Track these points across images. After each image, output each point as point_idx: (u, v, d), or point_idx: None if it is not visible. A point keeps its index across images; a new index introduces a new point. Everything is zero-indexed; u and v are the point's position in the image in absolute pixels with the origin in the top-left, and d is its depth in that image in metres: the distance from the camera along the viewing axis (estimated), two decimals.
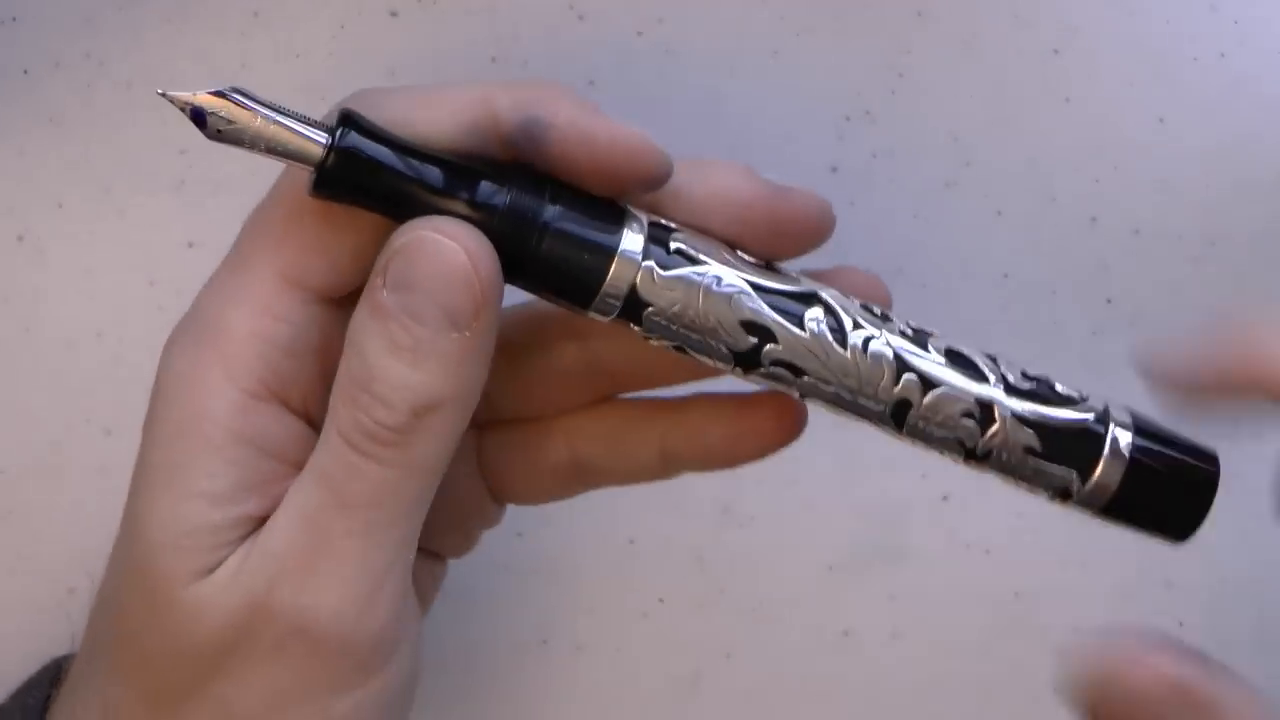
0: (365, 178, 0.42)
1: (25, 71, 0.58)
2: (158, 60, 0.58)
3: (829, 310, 0.44)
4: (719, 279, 0.43)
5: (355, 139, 0.42)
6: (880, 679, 0.61)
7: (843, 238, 0.47)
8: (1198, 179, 0.59)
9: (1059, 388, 0.46)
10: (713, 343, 0.44)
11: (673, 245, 0.43)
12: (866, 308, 0.45)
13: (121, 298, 0.58)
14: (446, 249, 0.41)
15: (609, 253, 0.43)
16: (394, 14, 0.58)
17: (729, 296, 0.43)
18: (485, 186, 0.42)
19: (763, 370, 0.44)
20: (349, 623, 0.43)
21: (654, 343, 0.44)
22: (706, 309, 0.43)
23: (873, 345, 0.44)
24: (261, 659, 0.43)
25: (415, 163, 0.42)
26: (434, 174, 0.42)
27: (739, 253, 0.45)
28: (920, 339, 0.45)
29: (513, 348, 0.48)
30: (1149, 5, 0.58)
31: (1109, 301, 0.60)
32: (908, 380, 0.44)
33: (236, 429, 0.43)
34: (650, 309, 0.43)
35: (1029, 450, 0.45)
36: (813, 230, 0.46)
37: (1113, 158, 0.59)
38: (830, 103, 0.59)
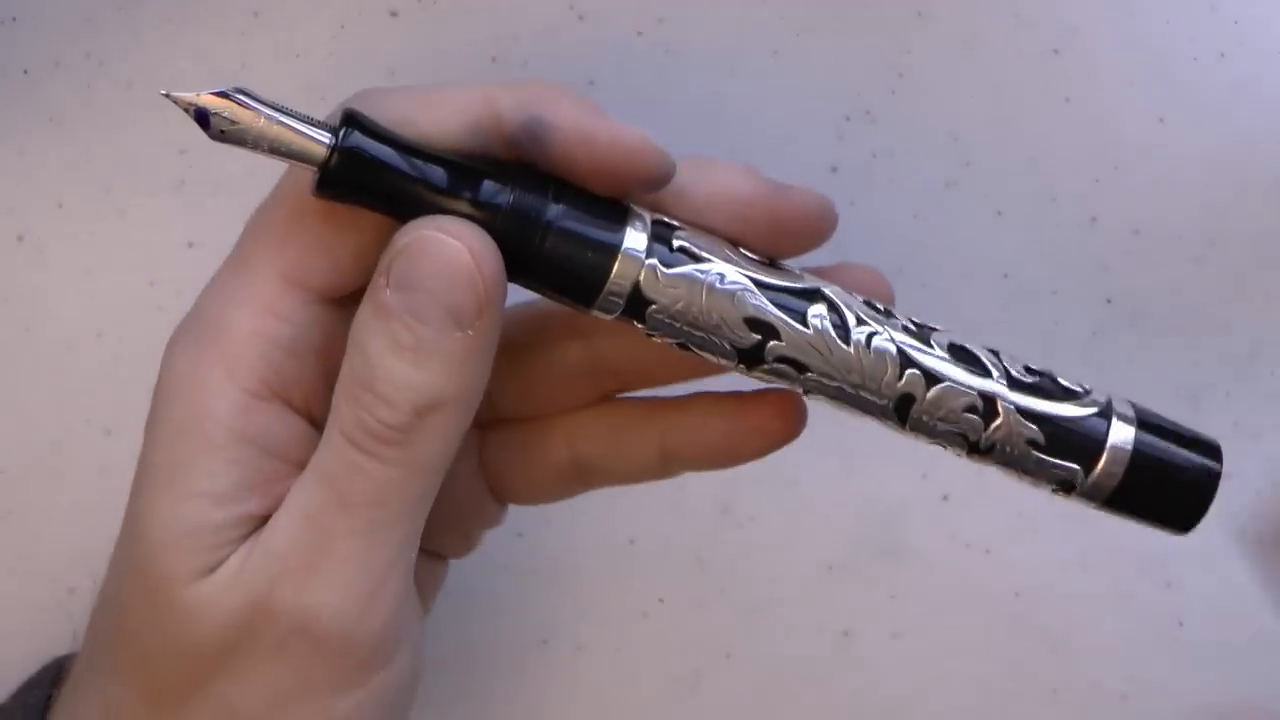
0: (368, 177, 0.42)
1: (25, 71, 0.58)
2: (158, 60, 0.58)
3: (832, 306, 0.44)
4: (722, 276, 0.43)
5: (358, 139, 0.42)
6: (880, 679, 0.61)
7: (843, 238, 0.47)
8: (1198, 179, 0.59)
9: (1062, 381, 0.46)
10: (716, 340, 0.44)
11: (676, 243, 0.43)
12: (869, 304, 0.45)
13: (121, 298, 0.58)
14: (450, 248, 0.41)
15: (612, 251, 0.43)
16: (394, 14, 0.58)
17: (732, 293, 0.43)
18: (488, 186, 0.42)
19: (766, 367, 0.44)
20: (350, 622, 0.43)
21: (657, 340, 0.44)
22: (710, 306, 0.43)
23: (876, 341, 0.44)
24: (263, 658, 0.43)
25: (418, 162, 0.42)
26: (437, 173, 0.42)
27: (742, 250, 0.45)
28: (923, 334, 0.45)
29: (516, 347, 0.48)
30: (1149, 5, 0.58)
31: (1109, 301, 0.60)
32: (911, 375, 0.44)
33: (238, 428, 0.43)
34: (654, 306, 0.43)
35: (1032, 444, 0.45)
36: (814, 228, 0.46)
37: (1113, 158, 0.59)
38: (830, 103, 0.59)
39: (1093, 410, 0.45)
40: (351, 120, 0.42)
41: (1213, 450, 0.46)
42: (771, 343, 0.44)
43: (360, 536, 0.43)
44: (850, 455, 0.58)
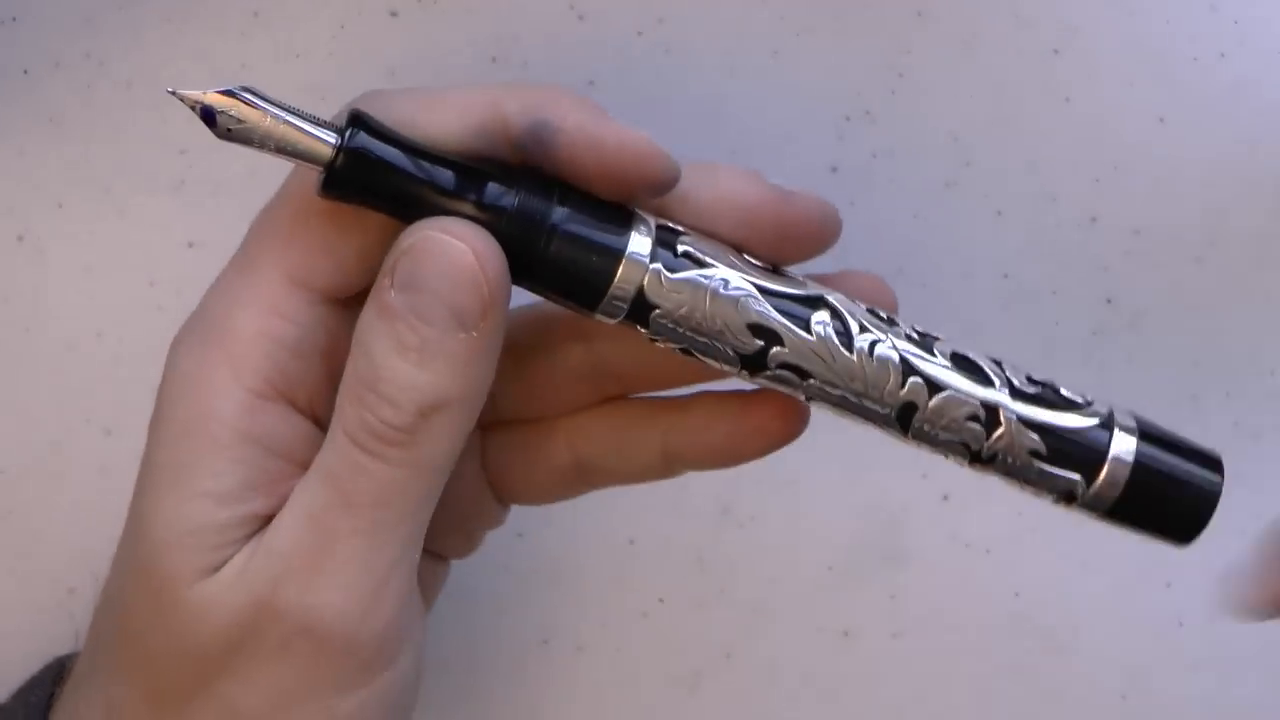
0: (374, 178, 0.42)
1: (25, 71, 0.57)
2: (158, 60, 0.58)
3: (835, 314, 0.44)
4: (726, 282, 0.43)
5: (365, 139, 0.42)
6: (880, 679, 0.61)
7: (843, 238, 0.47)
8: (1198, 179, 0.59)
9: (1064, 392, 0.46)
10: (719, 345, 0.44)
11: (680, 248, 0.43)
12: (872, 311, 0.45)
13: (121, 298, 0.58)
14: (454, 249, 0.41)
15: (616, 255, 0.43)
16: (394, 14, 0.58)
17: (736, 299, 0.43)
18: (493, 188, 0.42)
19: (768, 373, 0.44)
20: (354, 622, 0.43)
21: (660, 345, 0.44)
22: (713, 311, 0.43)
23: (878, 349, 0.44)
24: (266, 658, 0.43)
25: (424, 164, 0.42)
26: (443, 175, 0.42)
27: (745, 256, 0.45)
28: (926, 343, 0.45)
29: (519, 349, 0.48)
30: (1149, 5, 0.58)
31: (1109, 301, 0.60)
32: (913, 384, 0.44)
33: (243, 428, 0.43)
34: (657, 311, 0.43)
35: (1034, 454, 0.45)
36: (818, 235, 0.46)
37: (1113, 158, 0.59)
38: (830, 103, 0.59)
39: (1095, 421, 0.45)
40: (357, 121, 0.42)
41: (1214, 463, 0.46)
42: (774, 349, 0.44)
43: (364, 536, 0.43)
44: (851, 456, 0.58)
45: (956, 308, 0.59)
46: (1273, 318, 0.60)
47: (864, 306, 0.45)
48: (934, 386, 0.44)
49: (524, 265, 0.43)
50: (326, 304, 0.44)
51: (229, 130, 0.41)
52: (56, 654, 0.52)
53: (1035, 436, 0.45)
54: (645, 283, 0.43)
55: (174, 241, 0.58)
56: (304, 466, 0.43)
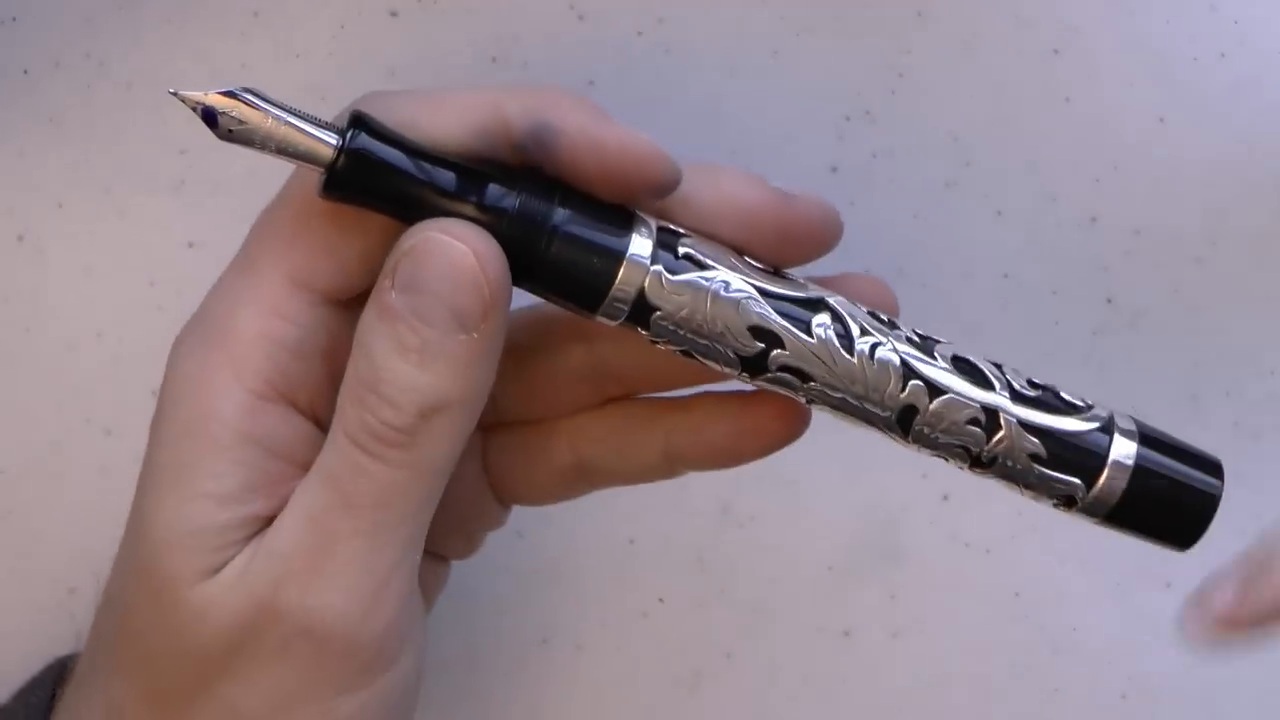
0: (375, 180, 0.42)
1: (25, 71, 0.57)
2: (158, 60, 0.57)
3: (836, 316, 0.44)
4: (727, 284, 0.43)
5: (366, 141, 0.42)
6: (880, 679, 0.61)
7: (843, 238, 0.47)
8: (1198, 179, 0.59)
9: (1064, 395, 0.46)
10: (720, 348, 0.44)
11: (681, 250, 0.43)
12: (873, 314, 0.45)
13: (121, 298, 0.58)
14: (455, 251, 0.41)
15: (617, 257, 0.43)
16: (394, 14, 0.58)
17: (737, 302, 0.43)
18: (494, 190, 0.42)
19: (769, 376, 0.44)
20: (354, 623, 0.43)
21: (661, 347, 0.44)
22: (714, 314, 0.43)
23: (879, 352, 0.44)
24: (267, 659, 0.43)
25: (425, 165, 0.42)
26: (444, 177, 0.42)
27: (746, 259, 0.45)
28: (927, 346, 0.45)
29: (520, 350, 0.48)
30: (1149, 5, 0.58)
31: (1109, 301, 0.60)
32: (914, 387, 0.44)
33: (244, 430, 0.43)
34: (658, 313, 0.43)
35: (1034, 457, 0.45)
36: (820, 237, 0.46)
37: (1113, 158, 0.59)
38: (830, 103, 0.59)
39: (1095, 425, 0.45)
40: (359, 122, 0.42)
41: (1214, 468, 0.46)
42: (775, 351, 0.44)
43: (364, 538, 0.43)
44: (851, 455, 0.58)
45: (956, 308, 0.59)
46: (1273, 318, 0.60)
47: (865, 309, 0.45)
48: (935, 389, 0.44)
49: (525, 267, 0.43)
50: (328, 305, 0.44)
51: (230, 131, 0.41)
52: (57, 654, 0.52)
53: (1035, 440, 0.45)
54: (646, 285, 0.43)
55: (174, 241, 0.58)
56: (305, 468, 0.43)
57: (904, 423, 0.45)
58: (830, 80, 0.59)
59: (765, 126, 0.59)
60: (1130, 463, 0.45)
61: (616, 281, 0.43)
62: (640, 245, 0.43)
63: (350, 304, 0.44)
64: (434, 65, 0.58)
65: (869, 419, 0.45)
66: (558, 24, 0.58)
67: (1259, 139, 0.59)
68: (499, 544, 0.54)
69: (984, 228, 0.59)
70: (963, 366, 0.45)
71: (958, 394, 0.45)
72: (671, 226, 0.44)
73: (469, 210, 0.42)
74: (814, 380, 0.44)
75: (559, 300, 0.44)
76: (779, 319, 0.44)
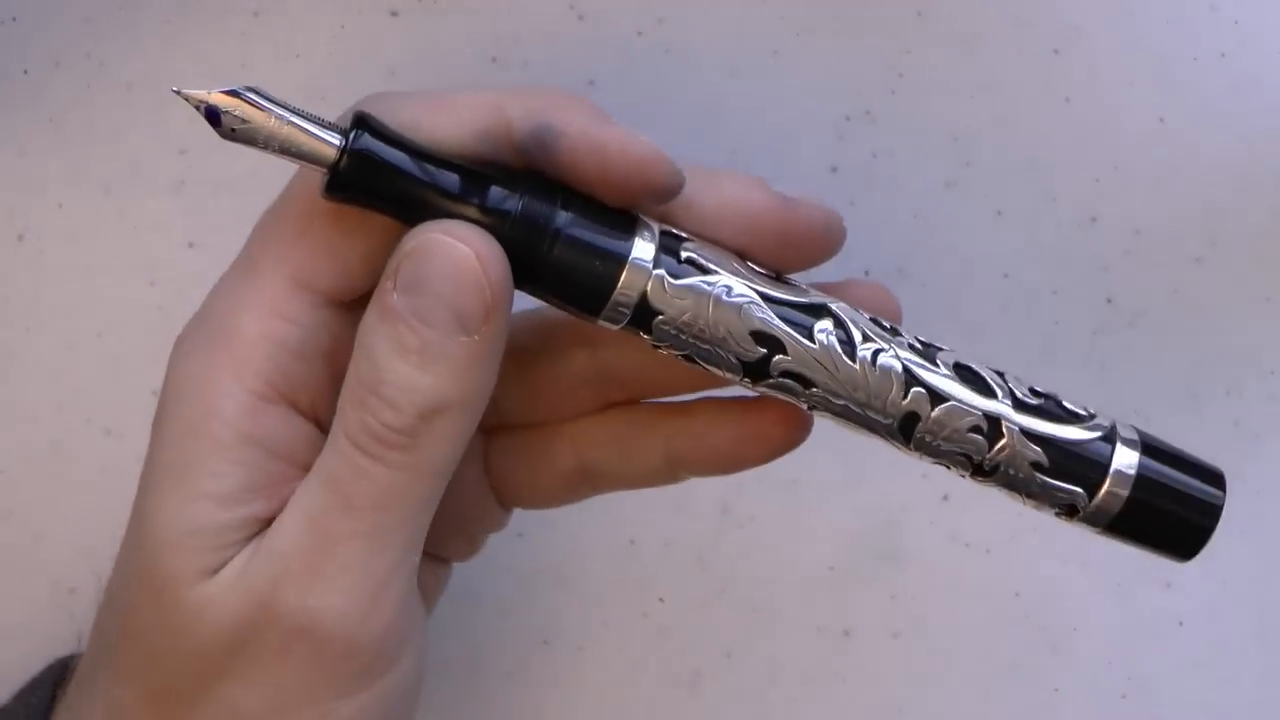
0: (378, 180, 0.42)
1: (25, 71, 0.57)
2: (158, 60, 0.57)
3: (838, 322, 0.44)
4: (729, 289, 0.43)
5: (369, 141, 0.42)
6: (880, 679, 0.61)
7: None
8: (1198, 179, 0.59)
9: (1066, 404, 0.46)
10: (722, 352, 0.44)
11: (683, 254, 0.43)
12: (875, 321, 0.45)
13: (121, 298, 0.58)
14: (457, 252, 0.41)
15: (620, 260, 0.43)
16: (394, 14, 0.58)
17: (739, 306, 0.43)
18: (497, 192, 0.42)
19: (771, 381, 0.44)
20: (353, 624, 0.43)
21: (663, 351, 0.44)
22: (716, 318, 0.43)
23: (881, 358, 0.44)
24: (267, 660, 0.43)
25: (428, 166, 0.42)
26: (447, 178, 0.42)
27: (749, 263, 0.45)
28: (929, 353, 0.45)
29: (522, 354, 0.48)
30: (1149, 5, 0.58)
31: (1109, 301, 0.60)
32: (916, 394, 0.44)
33: (245, 430, 0.43)
34: (660, 317, 0.43)
35: (1036, 466, 0.45)
36: (822, 242, 0.46)
37: (1113, 158, 0.59)
38: (830, 103, 0.59)
39: (1097, 434, 0.45)
40: (362, 123, 0.42)
41: (1216, 478, 0.46)
42: (777, 357, 0.44)
43: (364, 539, 0.43)
44: (851, 456, 0.58)
45: (956, 308, 0.59)
46: (1273, 318, 0.60)
47: (867, 315, 0.45)
48: (937, 397, 0.44)
49: (527, 269, 0.43)
50: (330, 306, 0.44)
51: (233, 130, 0.41)
52: (57, 654, 0.52)
53: (1037, 449, 0.45)
54: (648, 289, 0.43)
55: (174, 241, 0.58)
56: (305, 469, 0.44)
57: (906, 430, 0.45)
58: (830, 80, 0.59)
59: (765, 126, 0.59)
60: (1132, 473, 0.45)
61: (619, 285, 0.43)
62: (643, 249, 0.43)
63: (352, 305, 0.44)
64: (434, 65, 0.58)
65: (871, 426, 0.45)
66: (558, 24, 0.58)
67: (1259, 139, 0.59)
68: (501, 546, 0.54)
69: (984, 228, 0.59)
70: (965, 374, 0.45)
71: (960, 401, 0.44)
72: (674, 230, 0.44)
73: (471, 212, 0.42)
74: (816, 386, 0.44)
75: (561, 304, 0.44)
76: (781, 324, 0.44)
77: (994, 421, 0.45)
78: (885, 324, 0.45)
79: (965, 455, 0.45)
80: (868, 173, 0.59)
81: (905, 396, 0.44)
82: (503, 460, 0.50)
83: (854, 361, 0.44)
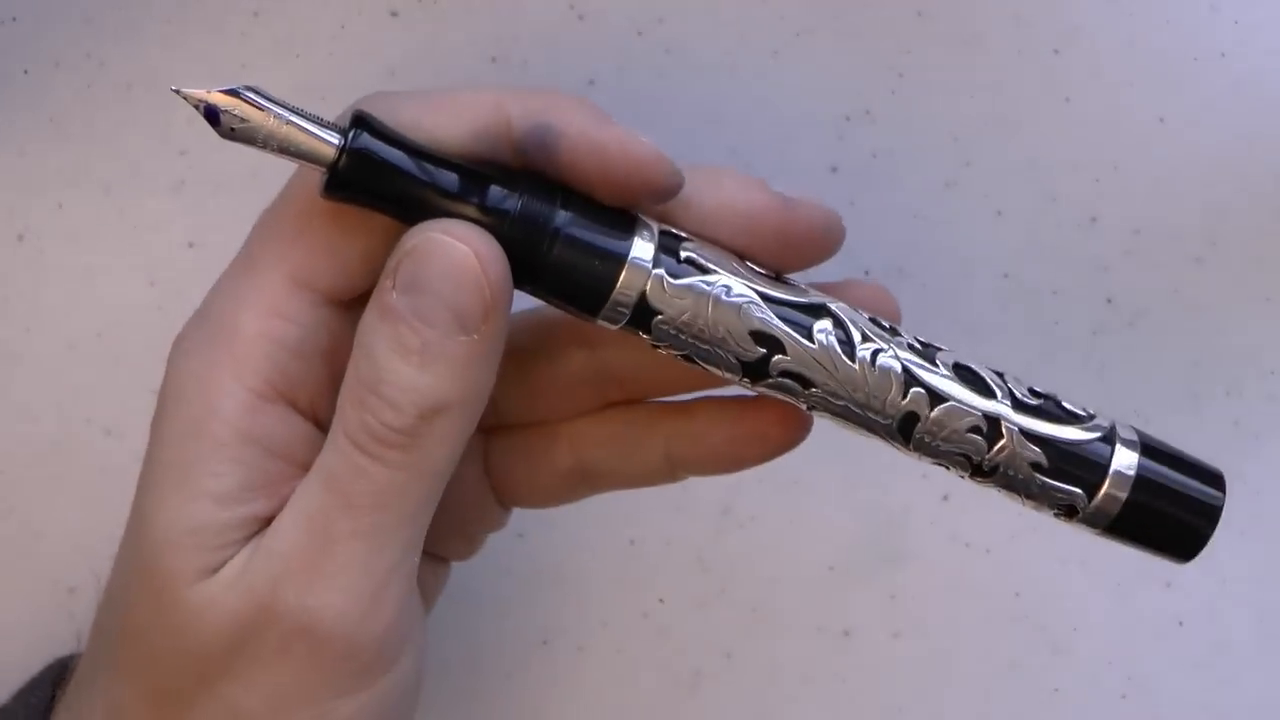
0: (377, 180, 0.42)
1: (25, 71, 0.57)
2: (158, 60, 0.57)
3: (838, 322, 0.44)
4: (728, 288, 0.43)
5: (368, 140, 0.42)
6: (880, 679, 0.61)
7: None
8: (1198, 179, 0.59)
9: (1066, 404, 0.46)
10: (721, 352, 0.44)
11: (683, 254, 0.43)
12: (875, 321, 0.45)
13: (121, 298, 0.58)
14: (457, 251, 0.41)
15: (619, 260, 0.43)
16: (394, 14, 0.58)
17: (738, 306, 0.43)
18: (496, 191, 0.42)
19: (770, 381, 0.44)
20: (352, 624, 0.43)
21: (662, 351, 0.44)
22: (716, 318, 0.43)
23: (881, 358, 0.44)
24: (266, 659, 0.43)
25: (427, 166, 0.42)
26: (446, 177, 0.42)
27: (748, 263, 0.45)
28: (928, 353, 0.45)
29: (521, 353, 0.48)
30: (1149, 5, 0.58)
31: (1109, 301, 0.60)
32: (915, 394, 0.44)
33: (244, 429, 0.43)
34: (659, 317, 0.43)
35: (1035, 466, 0.45)
36: (821, 242, 0.46)
37: (1113, 158, 0.59)
38: (830, 103, 0.59)
39: (1097, 435, 0.45)
40: (361, 122, 0.42)
41: (1216, 479, 0.46)
42: (776, 357, 0.44)
43: (363, 539, 0.43)
44: (851, 456, 0.58)
45: (956, 308, 0.59)
46: (1273, 318, 0.60)
47: (866, 315, 0.45)
48: (936, 397, 0.44)
49: (526, 269, 0.43)
50: (329, 305, 0.44)
51: (232, 130, 0.41)
52: (57, 654, 0.52)
53: (1037, 449, 0.45)
54: (648, 288, 0.43)
55: (174, 241, 0.58)
56: (305, 468, 0.43)
57: (905, 430, 0.45)
58: (830, 80, 0.59)
59: (765, 126, 0.59)
60: (1132, 473, 0.45)
61: (618, 285, 0.43)
62: (642, 249, 0.43)
63: (352, 304, 0.44)
64: (434, 65, 0.58)
65: (870, 426, 0.45)
66: (558, 24, 0.58)
67: (1259, 138, 0.59)
68: (500, 545, 0.54)
69: (984, 228, 0.59)
70: (964, 374, 0.45)
71: (959, 402, 0.44)
72: (673, 230, 0.44)
73: (471, 211, 0.42)
74: (815, 386, 0.44)
75: (560, 303, 0.44)
76: (780, 324, 0.44)
77: (993, 422, 0.44)
78: (885, 324, 0.45)
79: (964, 455, 0.45)
80: (868, 173, 0.59)
81: (904, 397, 0.44)
82: (502, 460, 0.50)
83: (853, 361, 0.44)
